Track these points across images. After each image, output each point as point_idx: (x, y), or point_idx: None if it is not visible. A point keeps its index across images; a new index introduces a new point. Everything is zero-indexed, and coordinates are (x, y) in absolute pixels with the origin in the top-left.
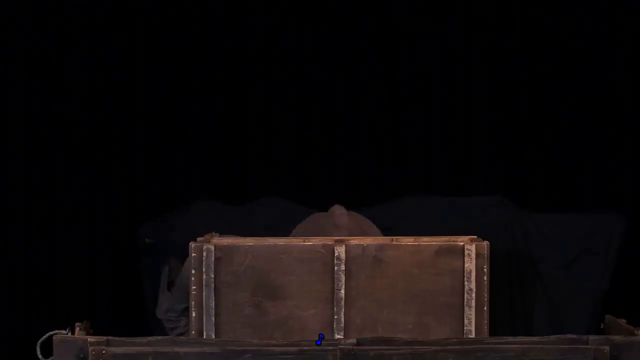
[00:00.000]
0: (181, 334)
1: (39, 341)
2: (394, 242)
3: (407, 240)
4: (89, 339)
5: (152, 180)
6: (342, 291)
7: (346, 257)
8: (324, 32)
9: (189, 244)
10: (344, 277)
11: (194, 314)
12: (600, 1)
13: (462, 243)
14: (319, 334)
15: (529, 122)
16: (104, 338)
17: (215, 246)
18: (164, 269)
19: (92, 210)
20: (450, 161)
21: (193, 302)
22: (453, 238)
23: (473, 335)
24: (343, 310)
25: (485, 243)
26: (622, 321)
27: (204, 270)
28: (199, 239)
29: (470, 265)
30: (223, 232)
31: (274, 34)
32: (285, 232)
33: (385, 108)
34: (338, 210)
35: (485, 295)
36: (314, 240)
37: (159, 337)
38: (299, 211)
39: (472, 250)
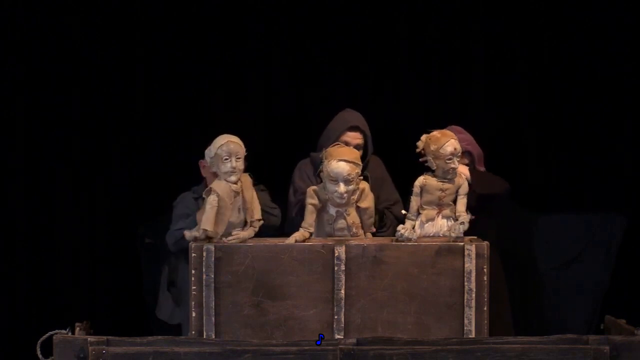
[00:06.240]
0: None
1: (39, 341)
2: (394, 242)
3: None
4: (89, 339)
5: (152, 180)
6: (342, 291)
7: (346, 257)
8: (323, 31)
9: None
10: (344, 277)
11: (194, 314)
12: (601, 1)
13: (462, 243)
14: (319, 334)
15: (529, 122)
16: (104, 338)
17: (215, 246)
18: (164, 269)
19: (92, 210)
20: None
21: (193, 302)
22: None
23: (473, 335)
24: (343, 310)
25: (485, 243)
26: (622, 321)
27: (204, 270)
28: None
29: (470, 265)
30: None
31: (273, 33)
32: None
33: (385, 107)
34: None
35: (485, 295)
36: (314, 241)
37: (159, 337)
38: None
39: (472, 250)
